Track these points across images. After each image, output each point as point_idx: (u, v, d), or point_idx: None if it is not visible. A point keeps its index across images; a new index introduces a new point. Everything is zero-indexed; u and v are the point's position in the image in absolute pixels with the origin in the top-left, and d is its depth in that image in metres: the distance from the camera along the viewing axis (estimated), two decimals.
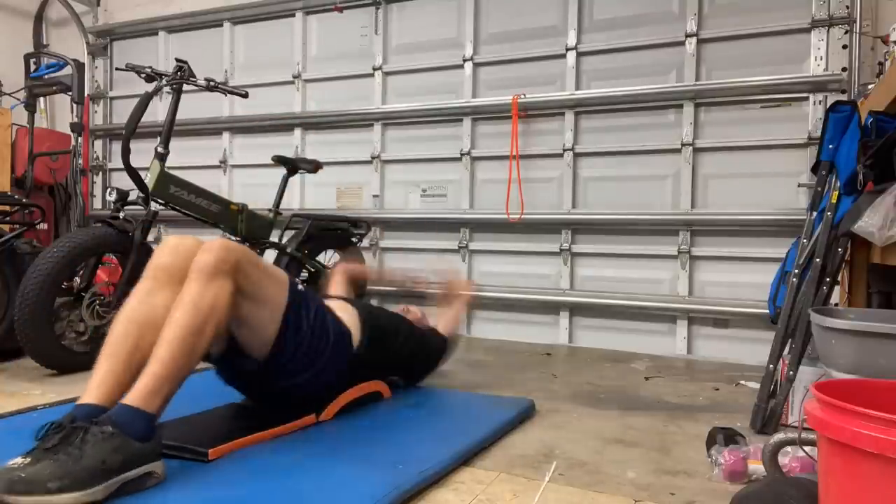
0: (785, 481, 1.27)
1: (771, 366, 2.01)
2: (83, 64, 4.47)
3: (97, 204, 4.84)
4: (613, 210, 3.41)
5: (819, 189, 2.14)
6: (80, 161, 4.55)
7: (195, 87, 2.79)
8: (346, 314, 1.93)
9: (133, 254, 2.54)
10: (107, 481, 1.22)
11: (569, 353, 3.28)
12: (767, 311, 2.37)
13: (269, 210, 3.18)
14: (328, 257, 3.49)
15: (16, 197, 3.17)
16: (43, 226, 4.14)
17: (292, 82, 4.23)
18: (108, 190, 2.67)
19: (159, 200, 2.72)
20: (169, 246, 1.54)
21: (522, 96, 3.51)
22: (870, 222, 1.71)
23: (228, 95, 2.86)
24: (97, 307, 2.60)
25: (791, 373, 1.91)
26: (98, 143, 4.90)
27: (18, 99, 4.49)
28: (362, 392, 1.98)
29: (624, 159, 3.43)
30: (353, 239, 3.49)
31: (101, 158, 4.90)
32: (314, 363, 1.74)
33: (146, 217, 2.63)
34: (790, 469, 1.41)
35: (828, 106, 2.23)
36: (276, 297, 1.64)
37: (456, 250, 3.77)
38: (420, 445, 1.63)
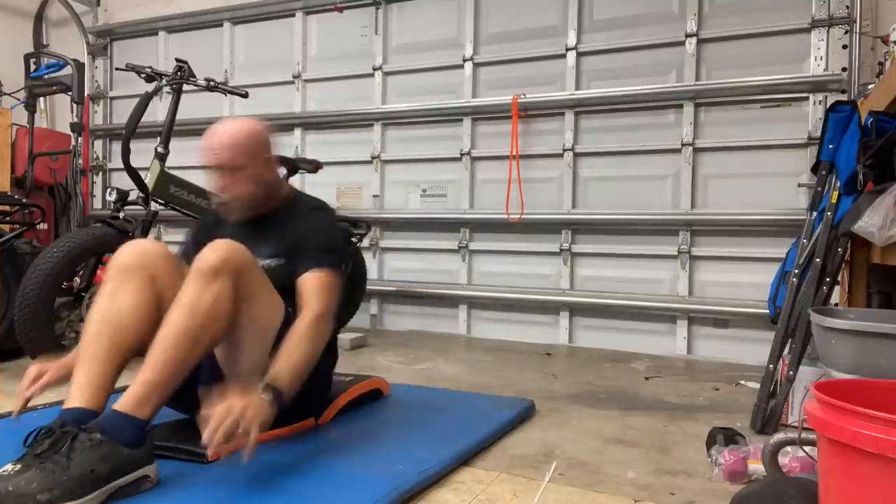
0: (785, 481, 1.27)
1: (771, 366, 2.01)
2: (83, 64, 4.47)
3: (97, 204, 4.84)
4: (613, 210, 3.41)
5: (819, 189, 2.14)
6: (80, 161, 4.55)
7: (195, 87, 2.79)
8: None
9: None
10: (97, 490, 1.20)
11: (569, 353, 3.28)
12: (767, 311, 2.37)
13: None
14: None
15: (16, 197, 3.17)
16: (43, 226, 4.14)
17: (292, 82, 4.23)
18: (108, 190, 2.67)
19: (159, 200, 2.72)
20: (128, 246, 1.53)
21: (522, 96, 3.51)
22: (870, 222, 1.71)
23: (228, 95, 2.87)
24: None
25: (791, 373, 1.91)
26: (98, 143, 4.90)
27: (18, 99, 4.49)
28: (362, 391, 1.98)
29: (624, 159, 3.43)
30: (353, 239, 3.49)
31: (101, 158, 4.90)
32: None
33: (146, 217, 2.63)
34: (790, 469, 1.41)
35: (828, 106, 2.23)
36: (270, 318, 1.54)
37: (456, 250, 3.77)
38: (420, 445, 1.62)
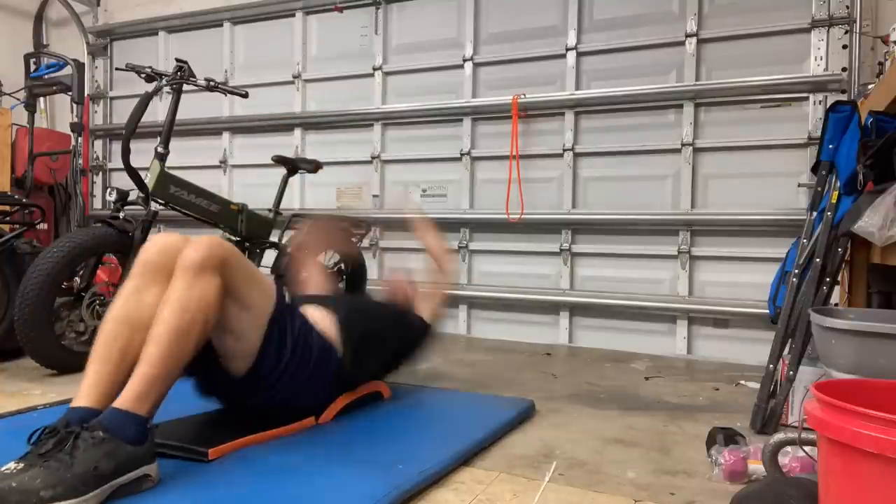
0: (785, 481, 1.27)
1: (771, 366, 2.01)
2: (83, 64, 4.47)
3: (97, 204, 4.84)
4: (613, 210, 3.42)
5: (819, 189, 2.14)
6: (80, 161, 4.55)
7: (195, 87, 2.79)
8: (325, 322, 1.82)
9: (133, 254, 2.54)
10: (100, 487, 1.20)
11: (569, 353, 3.28)
12: (767, 311, 2.37)
13: (269, 210, 3.18)
14: (328, 257, 3.49)
15: (16, 197, 3.17)
16: (43, 226, 4.14)
17: (292, 82, 4.23)
18: (108, 190, 2.66)
19: (159, 200, 2.71)
20: (155, 243, 1.50)
21: (522, 96, 3.51)
22: (870, 222, 1.71)
23: (228, 95, 2.86)
24: (97, 307, 2.60)
25: (791, 373, 1.91)
26: (98, 143, 4.90)
27: (18, 99, 4.49)
28: (362, 393, 1.98)
29: (624, 159, 3.43)
30: (354, 239, 3.48)
31: (101, 158, 4.90)
32: (295, 379, 1.65)
33: (146, 217, 2.63)
34: (790, 469, 1.41)
35: (828, 106, 2.23)
36: (262, 304, 1.57)
37: (456, 250, 3.77)
38: (420, 445, 1.63)
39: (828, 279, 2.00)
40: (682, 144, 3.28)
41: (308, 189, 4.21)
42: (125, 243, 2.56)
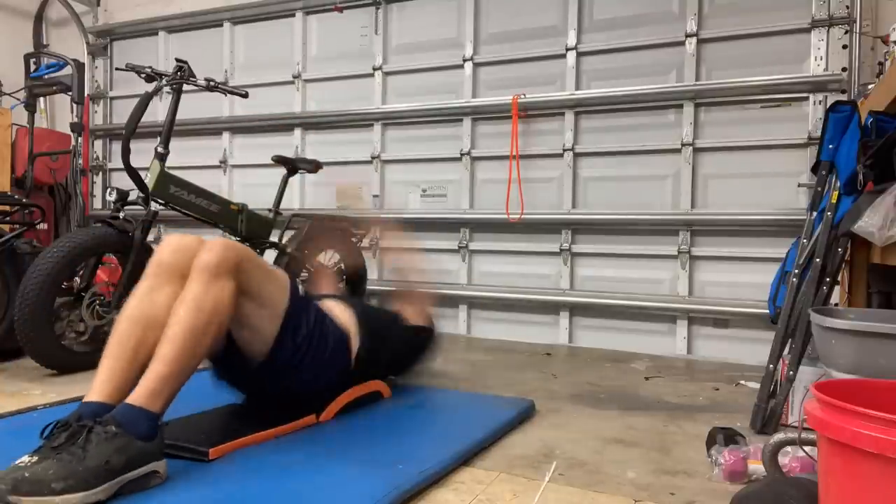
0: (785, 481, 1.27)
1: (771, 366, 2.01)
2: (83, 64, 4.47)
3: (97, 204, 4.84)
4: (613, 210, 3.41)
5: (819, 189, 2.14)
6: (80, 161, 4.55)
7: (195, 87, 2.79)
8: (344, 315, 1.93)
9: (133, 254, 2.54)
10: (110, 481, 1.22)
11: (569, 353, 3.28)
12: (767, 311, 2.37)
13: (269, 210, 3.18)
14: (328, 257, 3.50)
15: (16, 197, 3.17)
16: (43, 226, 4.14)
17: (292, 82, 4.23)
18: (108, 190, 2.67)
19: (159, 200, 2.71)
20: (170, 244, 1.53)
21: (522, 96, 3.51)
22: (870, 222, 1.71)
23: (228, 95, 2.86)
24: (97, 307, 2.60)
25: (791, 373, 1.91)
26: (98, 143, 4.90)
27: (18, 99, 4.49)
28: (362, 392, 1.98)
29: (624, 159, 3.43)
30: (353, 239, 3.49)
31: (101, 158, 4.90)
32: (313, 365, 1.73)
33: (146, 217, 2.63)
34: (790, 469, 1.41)
35: (828, 106, 2.23)
36: (277, 298, 1.64)
37: (456, 250, 3.77)
38: (420, 445, 1.63)
39: (828, 279, 2.00)
40: (682, 144, 3.28)
41: (308, 189, 4.21)
42: (125, 243, 2.56)
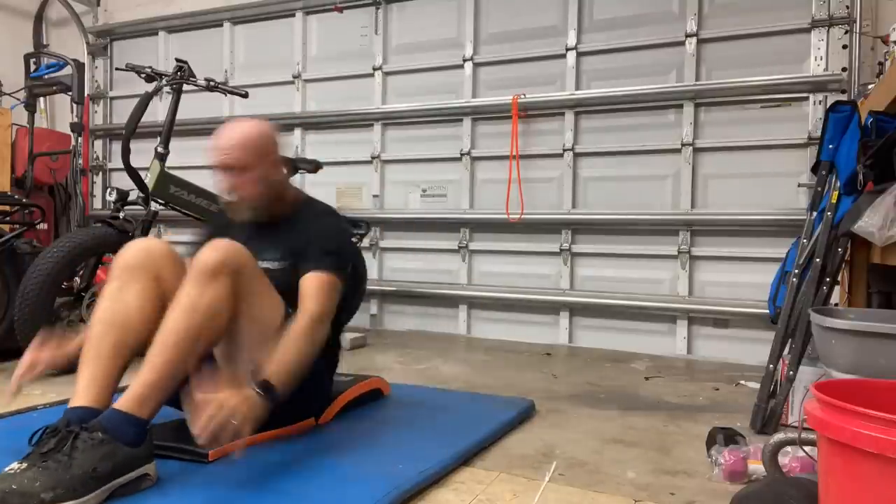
0: (785, 481, 1.27)
1: (771, 366, 2.01)
2: (83, 64, 4.47)
3: (97, 204, 4.84)
4: (613, 210, 3.41)
5: (819, 189, 2.14)
6: (80, 161, 4.55)
7: (195, 87, 2.79)
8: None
9: None
10: (98, 489, 1.21)
11: (569, 353, 3.28)
12: (767, 311, 2.37)
13: None
14: None
15: (16, 197, 3.17)
16: (43, 226, 4.14)
17: (292, 82, 4.23)
18: (108, 190, 2.67)
19: (159, 200, 2.72)
20: (132, 245, 1.54)
21: (522, 96, 3.51)
22: (870, 222, 1.71)
23: (228, 95, 2.87)
24: None
25: (791, 373, 1.91)
26: (98, 143, 4.90)
27: (18, 99, 4.49)
28: (362, 391, 1.98)
29: (624, 159, 3.43)
30: (354, 239, 3.49)
31: (101, 158, 4.90)
32: (307, 381, 1.57)
33: (146, 217, 2.63)
34: (790, 469, 1.41)
35: (828, 106, 2.23)
36: (270, 319, 1.53)
37: (456, 250, 3.77)
38: (420, 445, 1.63)
39: (828, 279, 2.00)
40: (682, 144, 3.28)
41: (308, 189, 4.18)
42: (125, 243, 2.56)
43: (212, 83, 2.77)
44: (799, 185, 3.02)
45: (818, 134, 2.43)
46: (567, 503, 1.37)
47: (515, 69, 3.66)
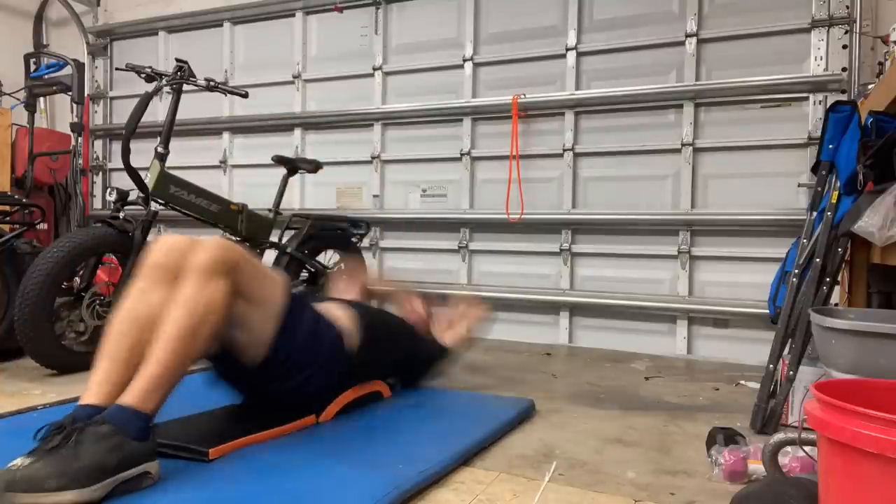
0: (785, 481, 1.27)
1: (771, 366, 2.01)
2: (83, 64, 4.47)
3: (97, 204, 4.84)
4: (613, 210, 3.42)
5: (819, 189, 2.14)
6: (80, 161, 4.55)
7: (195, 87, 2.79)
8: (344, 315, 1.91)
9: (133, 254, 2.54)
10: (104, 480, 1.22)
11: (569, 353, 3.28)
12: (767, 311, 2.37)
13: (269, 210, 3.18)
14: (328, 257, 3.49)
15: (16, 197, 3.17)
16: (43, 226, 4.14)
17: (292, 82, 4.23)
18: (108, 190, 2.67)
19: (159, 200, 2.72)
20: (163, 244, 1.52)
21: (522, 96, 3.51)
22: (870, 222, 1.71)
23: (228, 95, 2.86)
24: (97, 307, 2.60)
25: (791, 373, 1.91)
26: (98, 143, 4.90)
27: (18, 99, 4.49)
28: (362, 392, 1.98)
29: (624, 159, 3.43)
30: (353, 239, 3.49)
31: (101, 158, 4.90)
32: (310, 365, 1.72)
33: (146, 217, 2.63)
34: (790, 469, 1.41)
35: (828, 106, 2.23)
36: (273, 299, 1.62)
37: (456, 250, 3.77)
38: (420, 445, 1.62)
39: (828, 279, 2.00)
40: (682, 144, 3.28)
41: (308, 189, 4.21)
42: (125, 243, 2.56)
43: (212, 83, 2.77)
44: (799, 185, 3.02)
45: (818, 134, 2.43)
46: (567, 503, 1.37)
47: (515, 69, 3.67)
